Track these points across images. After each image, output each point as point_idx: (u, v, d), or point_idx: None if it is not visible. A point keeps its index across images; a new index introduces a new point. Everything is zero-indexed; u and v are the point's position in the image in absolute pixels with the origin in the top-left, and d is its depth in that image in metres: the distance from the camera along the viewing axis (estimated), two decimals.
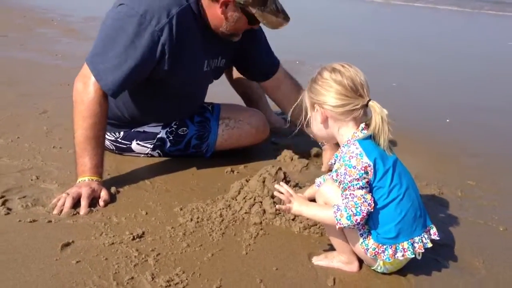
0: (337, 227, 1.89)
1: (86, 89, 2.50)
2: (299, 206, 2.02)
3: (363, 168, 1.86)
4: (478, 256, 2.24)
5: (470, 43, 8.57)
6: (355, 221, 1.85)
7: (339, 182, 1.91)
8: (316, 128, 2.08)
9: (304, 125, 2.14)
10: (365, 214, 1.85)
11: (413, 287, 2.00)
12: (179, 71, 2.64)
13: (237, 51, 2.99)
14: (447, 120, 4.28)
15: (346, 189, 1.88)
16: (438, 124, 4.21)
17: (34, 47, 6.05)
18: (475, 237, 2.43)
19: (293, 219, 2.36)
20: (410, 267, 2.06)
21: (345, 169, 1.88)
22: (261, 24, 2.67)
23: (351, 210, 1.84)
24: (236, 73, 3.55)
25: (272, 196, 2.40)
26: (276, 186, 2.13)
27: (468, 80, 6.10)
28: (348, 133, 1.98)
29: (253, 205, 2.41)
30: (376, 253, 1.93)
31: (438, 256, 2.20)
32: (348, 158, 1.88)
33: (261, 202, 2.41)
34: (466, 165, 3.36)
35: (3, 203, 2.30)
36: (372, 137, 1.93)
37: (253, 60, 3.08)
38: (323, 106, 1.96)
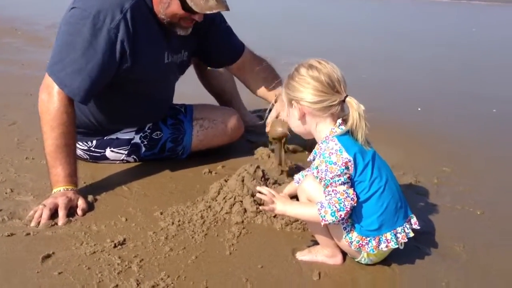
0: (322, 224, 1.90)
1: (51, 99, 2.45)
2: (282, 206, 2.02)
3: (343, 164, 1.87)
4: (458, 241, 2.28)
5: (439, 32, 8.71)
6: (340, 217, 1.86)
7: (320, 179, 1.92)
8: (294, 125, 2.09)
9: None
10: (348, 209, 1.86)
11: (397, 276, 2.02)
12: (140, 65, 2.60)
13: (199, 41, 2.95)
14: (419, 109, 4.34)
15: (328, 186, 1.89)
16: (410, 114, 4.26)
17: None
18: (454, 222, 2.47)
19: (274, 217, 2.36)
20: (393, 256, 2.08)
21: (326, 166, 1.88)
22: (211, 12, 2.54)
23: (335, 206, 1.85)
24: (207, 74, 3.54)
25: (253, 195, 2.40)
26: (258, 188, 2.14)
27: (435, 69, 6.19)
28: (325, 129, 1.98)
29: (234, 204, 2.41)
30: (360, 245, 1.94)
31: (419, 244, 2.22)
32: (328, 154, 1.89)
33: (241, 201, 2.41)
34: (441, 152, 3.41)
35: None
36: (350, 132, 1.94)
37: (215, 46, 3.03)
38: (300, 102, 1.97)
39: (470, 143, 3.60)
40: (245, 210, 2.39)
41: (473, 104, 4.59)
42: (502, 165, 3.21)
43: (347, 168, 1.88)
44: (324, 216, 1.87)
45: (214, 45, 3.03)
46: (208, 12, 2.50)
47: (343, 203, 1.85)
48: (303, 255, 2.11)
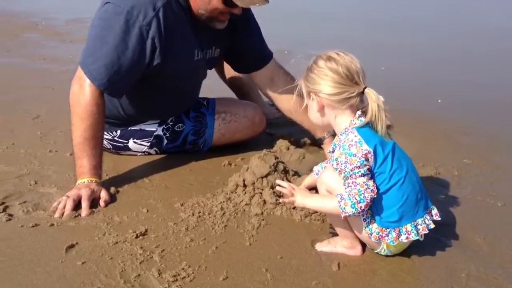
0: (342, 216, 1.91)
1: (82, 91, 2.50)
2: (302, 198, 2.04)
3: (363, 156, 1.88)
4: (479, 232, 2.27)
5: (454, 24, 8.61)
6: (360, 208, 1.87)
7: (340, 171, 1.93)
8: (313, 117, 2.10)
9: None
10: (368, 201, 1.87)
11: (417, 268, 2.02)
12: (170, 62, 2.64)
13: (230, 40, 2.97)
14: (439, 101, 4.31)
15: (348, 178, 1.89)
16: (430, 105, 4.23)
17: (21, 52, 6.00)
18: (475, 214, 2.46)
19: (293, 208, 2.37)
20: (413, 248, 2.08)
21: (345, 158, 1.89)
22: (239, 5, 2.56)
23: (355, 198, 1.86)
24: (226, 67, 3.55)
25: (272, 187, 2.41)
26: (277, 181, 2.17)
27: (455, 59, 6.12)
28: (345, 121, 1.99)
29: (253, 196, 2.43)
30: (380, 237, 1.95)
31: (439, 235, 2.22)
32: (348, 146, 1.90)
33: (261, 193, 2.42)
34: (461, 144, 3.39)
35: (4, 210, 2.30)
36: (370, 124, 1.94)
37: (246, 49, 3.03)
38: (319, 94, 1.97)
39: (491, 135, 3.56)
40: (265, 202, 2.40)
41: (495, 96, 4.53)
42: None
43: (366, 159, 1.88)
44: (344, 208, 1.88)
45: (245, 46, 3.02)
46: (250, 6, 2.55)
47: (363, 195, 1.86)
48: (322, 246, 2.12)
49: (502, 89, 4.78)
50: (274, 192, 2.41)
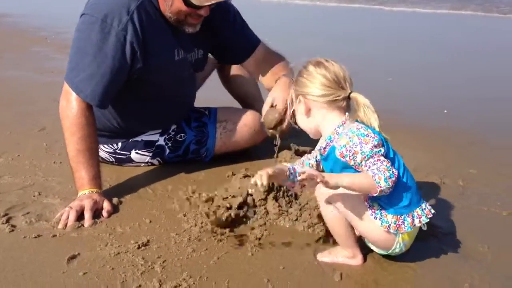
0: (378, 190, 1.83)
1: (69, 105, 2.53)
2: (332, 178, 1.84)
3: (375, 136, 1.90)
4: (483, 242, 2.25)
5: (461, 42, 8.62)
6: (391, 183, 1.83)
7: (353, 154, 1.88)
8: (300, 120, 2.12)
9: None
10: (396, 176, 1.85)
11: (420, 276, 2.01)
12: (152, 64, 2.64)
13: (213, 38, 2.95)
14: (445, 111, 4.29)
15: (370, 158, 1.87)
16: (436, 116, 4.21)
17: (29, 65, 6.06)
18: (479, 223, 2.44)
19: (296, 220, 2.37)
20: (416, 256, 2.08)
21: (359, 139, 1.89)
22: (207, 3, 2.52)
23: (385, 173, 1.83)
24: (230, 78, 3.55)
25: (275, 198, 2.41)
26: (299, 169, 2.06)
27: (461, 73, 6.10)
28: (335, 119, 2.01)
29: (256, 206, 2.42)
30: (397, 226, 1.94)
31: (442, 245, 2.21)
32: (356, 129, 1.92)
33: (264, 204, 2.42)
34: (467, 154, 3.37)
35: (7, 221, 2.31)
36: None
37: (230, 42, 3.01)
38: (307, 96, 2.02)
39: (497, 146, 3.53)
40: (268, 212, 2.40)
41: (499, 107, 4.51)
42: None
43: (379, 140, 1.91)
44: (379, 182, 1.82)
45: (228, 39, 3.00)
46: (207, 3, 2.51)
47: (391, 170, 1.84)
48: (324, 256, 2.11)
49: (508, 101, 4.74)
50: (277, 202, 2.40)
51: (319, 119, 2.04)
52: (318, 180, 1.79)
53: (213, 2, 2.51)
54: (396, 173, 1.86)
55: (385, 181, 1.83)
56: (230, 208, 2.37)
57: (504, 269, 2.07)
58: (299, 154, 3.18)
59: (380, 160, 1.87)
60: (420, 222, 1.96)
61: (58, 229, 2.26)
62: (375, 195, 1.85)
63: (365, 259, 2.09)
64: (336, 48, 7.30)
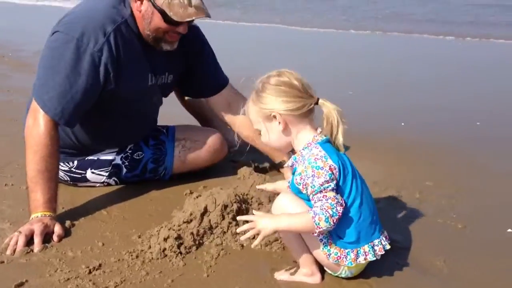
0: (316, 231, 1.84)
1: (36, 123, 2.47)
2: (271, 222, 1.89)
3: (330, 169, 1.86)
4: (439, 255, 2.26)
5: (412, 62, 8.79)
6: (333, 222, 1.83)
7: (305, 185, 1.89)
8: (275, 138, 2.03)
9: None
10: (340, 215, 1.84)
11: None
12: (124, 87, 2.62)
13: (184, 66, 2.96)
14: (402, 124, 4.33)
15: (318, 193, 1.86)
16: (394, 128, 4.24)
17: None
18: (435, 236, 2.45)
19: (253, 238, 2.33)
20: (373, 273, 2.07)
21: (312, 171, 1.87)
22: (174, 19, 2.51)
23: (328, 212, 1.82)
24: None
25: (234, 218, 2.37)
26: (238, 218, 2.07)
27: (415, 85, 6.17)
28: (307, 136, 1.98)
29: (213, 227, 2.38)
30: (338, 257, 1.92)
31: (399, 259, 2.21)
32: (314, 160, 1.88)
33: (220, 223, 2.38)
34: (424, 166, 3.39)
35: None
36: (331, 140, 1.96)
37: (200, 74, 3.02)
38: (280, 112, 1.94)
39: (453, 157, 3.57)
40: (224, 232, 2.36)
41: (456, 118, 4.57)
42: (484, 179, 3.17)
43: (333, 173, 1.87)
44: (319, 223, 1.82)
45: (199, 70, 3.01)
46: (188, 19, 2.52)
47: (335, 208, 1.83)
48: (281, 275, 2.08)
49: (466, 112, 4.82)
50: (234, 221, 2.37)
51: (293, 134, 1.99)
52: (254, 232, 1.90)
53: (193, 17, 2.52)
54: (341, 211, 1.84)
55: (325, 221, 1.82)
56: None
57: (460, 283, 2.08)
58: (258, 170, 3.18)
59: (326, 197, 1.85)
60: (365, 259, 1.94)
61: (6, 256, 2.18)
62: (314, 235, 1.86)
63: (323, 277, 2.06)
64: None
